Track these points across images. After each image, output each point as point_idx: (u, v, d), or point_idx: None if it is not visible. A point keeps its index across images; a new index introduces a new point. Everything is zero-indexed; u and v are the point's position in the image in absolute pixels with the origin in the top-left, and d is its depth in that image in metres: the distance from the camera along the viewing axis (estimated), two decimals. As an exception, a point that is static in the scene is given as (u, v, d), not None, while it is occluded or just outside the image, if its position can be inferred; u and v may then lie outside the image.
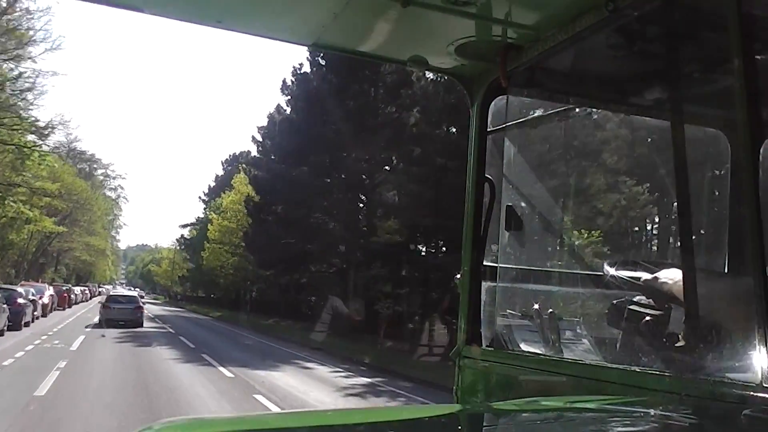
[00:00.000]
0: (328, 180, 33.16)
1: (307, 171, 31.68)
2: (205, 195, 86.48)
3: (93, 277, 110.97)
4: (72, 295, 55.33)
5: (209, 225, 60.37)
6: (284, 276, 40.68)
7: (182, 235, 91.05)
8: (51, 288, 43.86)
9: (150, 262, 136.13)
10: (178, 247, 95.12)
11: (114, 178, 78.69)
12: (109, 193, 77.99)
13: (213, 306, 71.80)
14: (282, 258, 35.31)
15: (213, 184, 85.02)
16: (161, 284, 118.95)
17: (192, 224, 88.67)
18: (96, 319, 36.13)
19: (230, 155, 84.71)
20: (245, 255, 49.12)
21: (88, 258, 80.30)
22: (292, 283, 41.86)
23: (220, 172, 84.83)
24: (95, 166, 77.67)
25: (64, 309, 47.48)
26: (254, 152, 46.51)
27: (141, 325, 34.54)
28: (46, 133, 39.32)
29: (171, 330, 36.38)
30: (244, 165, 49.67)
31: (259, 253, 39.77)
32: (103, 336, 28.04)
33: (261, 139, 43.80)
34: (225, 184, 70.59)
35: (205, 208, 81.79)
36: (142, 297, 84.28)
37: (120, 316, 32.77)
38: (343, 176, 32.37)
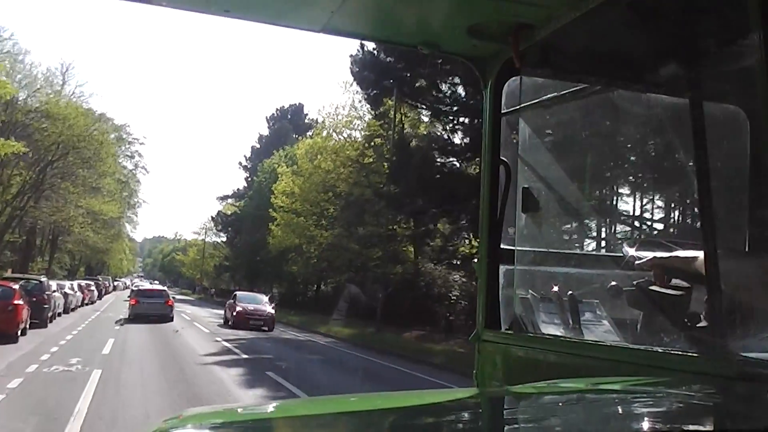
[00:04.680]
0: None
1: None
2: (246, 160, 71.74)
3: (107, 268, 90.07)
4: (48, 302, 24.72)
5: (275, 185, 41.39)
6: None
7: (218, 212, 71.87)
8: None
9: (171, 251, 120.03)
10: (212, 227, 75.82)
11: (130, 143, 54.73)
12: (124, 162, 55.07)
13: (292, 308, 43.31)
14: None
15: (257, 145, 71.27)
16: (186, 276, 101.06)
17: (234, 195, 71.03)
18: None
19: (278, 109, 72.41)
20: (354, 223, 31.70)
21: (95, 239, 54.96)
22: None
23: (265, 132, 72.21)
24: (105, 127, 53.36)
25: (16, 339, 18.82)
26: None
27: (171, 320, 30.63)
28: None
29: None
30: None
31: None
32: None
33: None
34: (274, 143, 60.38)
35: (247, 177, 68.37)
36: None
37: (150, 311, 30.85)
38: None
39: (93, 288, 48.07)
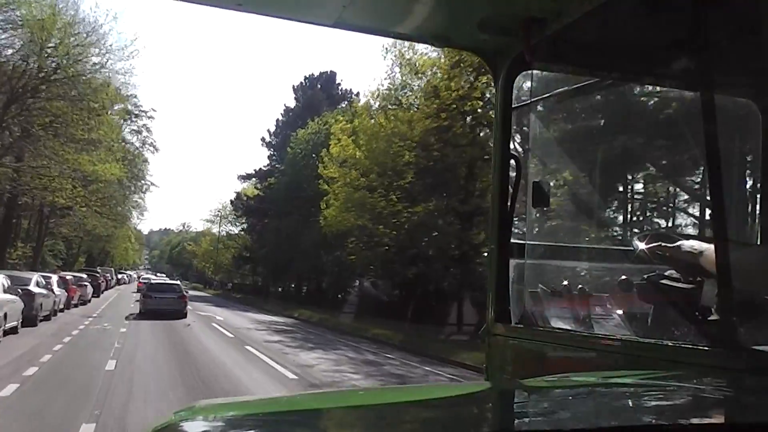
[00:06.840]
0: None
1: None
2: (271, 135, 60.93)
3: (111, 259, 79.62)
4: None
5: (325, 151, 30.70)
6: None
7: (238, 195, 62.27)
8: None
9: (179, 243, 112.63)
10: (227, 215, 68.34)
11: (137, 116, 43.36)
12: (130, 138, 44.93)
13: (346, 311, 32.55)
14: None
15: (283, 118, 60.48)
16: (197, 268, 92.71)
17: (257, 174, 59.92)
18: None
19: (306, 78, 60.97)
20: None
21: (94, 222, 42.64)
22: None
23: (291, 103, 60.63)
24: (112, 95, 38.42)
25: None
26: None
27: (185, 316, 28.56)
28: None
29: None
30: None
31: None
32: None
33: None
34: (304, 115, 51.81)
35: (271, 154, 59.10)
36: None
37: (162, 306, 29.02)
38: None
39: (86, 282, 35.05)
